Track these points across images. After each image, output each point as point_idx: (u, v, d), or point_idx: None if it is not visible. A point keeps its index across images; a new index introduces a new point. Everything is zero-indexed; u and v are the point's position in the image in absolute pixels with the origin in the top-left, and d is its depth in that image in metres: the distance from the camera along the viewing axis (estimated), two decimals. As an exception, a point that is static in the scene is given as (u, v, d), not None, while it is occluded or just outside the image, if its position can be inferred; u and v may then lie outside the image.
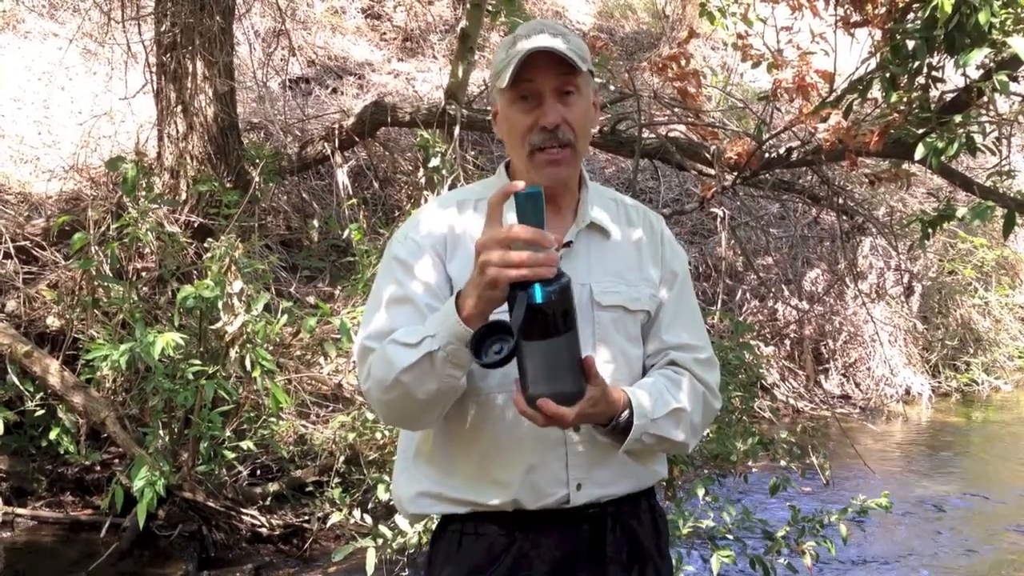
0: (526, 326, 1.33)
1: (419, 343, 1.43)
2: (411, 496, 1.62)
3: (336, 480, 4.12)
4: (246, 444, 4.08)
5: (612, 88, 5.66)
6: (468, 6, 5.39)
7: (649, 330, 1.65)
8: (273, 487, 4.31)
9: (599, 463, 1.56)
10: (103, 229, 4.35)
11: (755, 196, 7.13)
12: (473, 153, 6.56)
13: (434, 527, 1.68)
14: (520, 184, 1.37)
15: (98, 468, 4.55)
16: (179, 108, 5.09)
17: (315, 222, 5.94)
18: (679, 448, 1.61)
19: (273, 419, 4.23)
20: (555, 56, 1.51)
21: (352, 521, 3.69)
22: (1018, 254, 9.51)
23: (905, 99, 4.08)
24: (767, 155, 5.10)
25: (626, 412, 1.50)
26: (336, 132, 5.75)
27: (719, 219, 7.15)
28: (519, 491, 1.53)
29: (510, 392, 1.48)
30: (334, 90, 8.16)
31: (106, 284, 4.27)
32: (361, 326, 1.59)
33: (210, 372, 3.78)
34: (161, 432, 3.91)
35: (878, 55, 4.21)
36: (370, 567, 3.25)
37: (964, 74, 4.02)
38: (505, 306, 1.37)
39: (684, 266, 1.72)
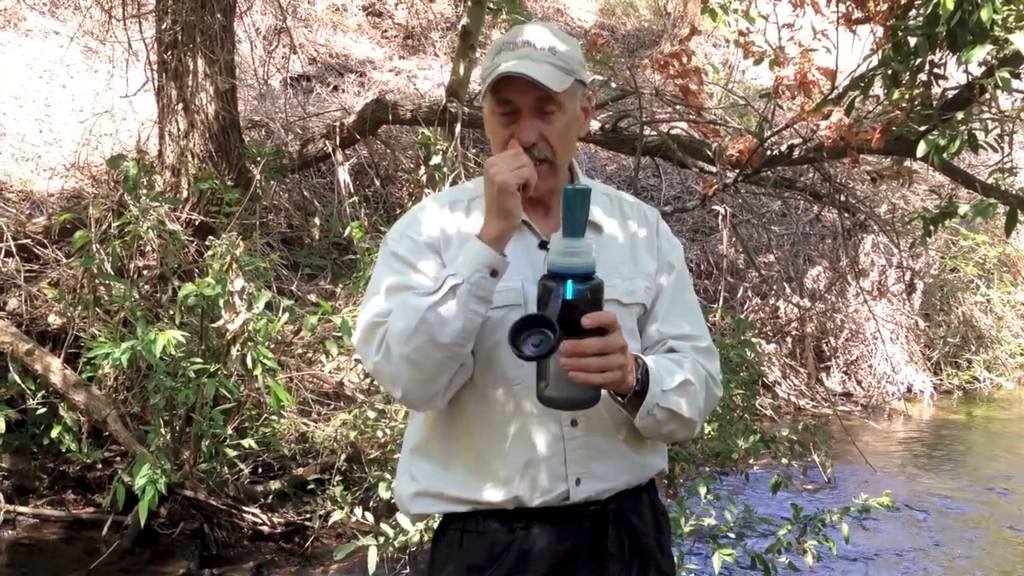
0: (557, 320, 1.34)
1: (441, 284, 1.45)
2: (412, 496, 1.62)
3: (338, 478, 4.11)
4: (247, 442, 4.08)
5: (614, 86, 5.65)
6: (469, 3, 5.38)
7: (647, 322, 1.64)
8: (275, 485, 4.31)
9: (596, 457, 1.56)
10: (104, 227, 4.34)
11: (757, 193, 7.11)
12: (475, 151, 6.53)
13: (436, 526, 1.68)
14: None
15: (100, 466, 4.55)
16: (180, 106, 5.09)
17: (316, 220, 5.93)
18: (686, 428, 1.58)
19: (274, 417, 4.23)
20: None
21: (353, 519, 3.68)
22: (1020, 251, 9.49)
23: (907, 96, 4.07)
24: (769, 152, 5.09)
25: (639, 383, 1.48)
26: (337, 130, 5.75)
27: (720, 217, 7.14)
28: (519, 486, 1.53)
29: (508, 386, 1.48)
30: (335, 88, 8.15)
31: (107, 282, 4.26)
32: (361, 312, 1.58)
33: (211, 370, 3.78)
34: (163, 430, 3.91)
35: (880, 52, 4.21)
36: (372, 565, 3.25)
37: (966, 71, 4.01)
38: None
39: (681, 258, 1.72)
